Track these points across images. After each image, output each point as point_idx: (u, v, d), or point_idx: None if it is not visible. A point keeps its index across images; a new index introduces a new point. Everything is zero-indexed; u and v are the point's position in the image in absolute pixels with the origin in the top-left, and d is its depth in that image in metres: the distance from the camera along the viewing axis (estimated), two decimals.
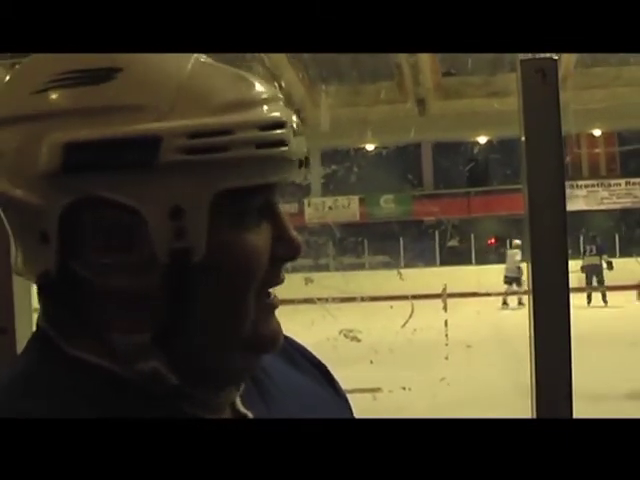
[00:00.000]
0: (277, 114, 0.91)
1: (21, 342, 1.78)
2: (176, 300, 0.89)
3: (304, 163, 0.94)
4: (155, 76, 0.87)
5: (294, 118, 0.93)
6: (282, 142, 0.90)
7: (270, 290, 0.96)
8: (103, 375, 0.91)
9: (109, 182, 0.85)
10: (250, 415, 0.99)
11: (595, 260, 21.99)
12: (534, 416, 1.73)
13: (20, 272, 0.95)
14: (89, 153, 0.84)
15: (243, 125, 0.87)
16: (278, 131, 0.89)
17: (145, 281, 0.88)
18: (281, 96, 0.94)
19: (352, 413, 1.17)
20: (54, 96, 0.87)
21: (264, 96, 0.91)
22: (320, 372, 1.19)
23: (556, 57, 1.70)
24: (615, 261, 23.45)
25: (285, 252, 0.95)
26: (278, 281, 0.96)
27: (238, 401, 1.00)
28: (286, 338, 1.11)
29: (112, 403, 0.89)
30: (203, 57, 0.91)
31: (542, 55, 1.67)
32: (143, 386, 0.91)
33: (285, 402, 1.05)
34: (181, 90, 0.87)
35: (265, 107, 0.90)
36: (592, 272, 21.79)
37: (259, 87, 0.91)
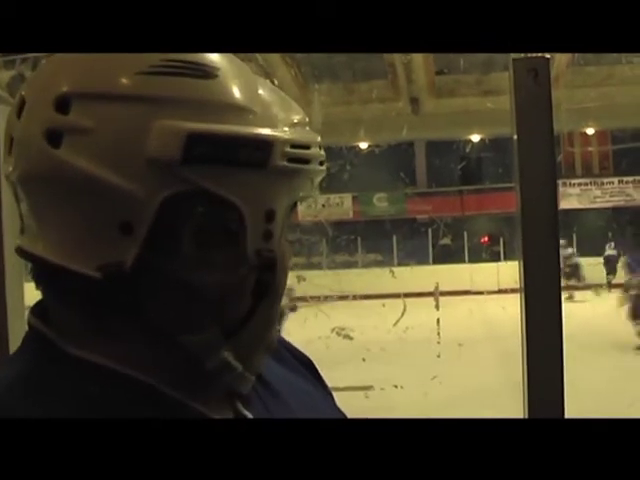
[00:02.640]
0: (315, 134, 0.97)
1: (14, 343, 1.78)
2: (255, 297, 0.93)
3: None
4: (245, 81, 0.91)
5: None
6: (323, 161, 0.96)
7: None
8: (110, 377, 0.90)
9: (220, 177, 0.86)
10: (250, 416, 1.00)
11: (613, 252, 23.89)
12: (526, 416, 1.73)
13: (61, 261, 0.87)
14: (211, 146, 0.84)
15: (315, 142, 0.95)
16: (319, 149, 0.96)
17: (230, 279, 0.91)
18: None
19: (337, 408, 1.17)
20: (159, 81, 0.85)
21: (304, 117, 0.97)
22: (305, 367, 1.20)
23: (548, 56, 1.70)
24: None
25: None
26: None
27: (238, 403, 1.00)
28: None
29: (118, 405, 0.89)
30: None
31: (534, 54, 1.67)
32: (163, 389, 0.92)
33: (278, 399, 1.06)
34: (263, 99, 0.92)
35: (307, 128, 0.97)
36: (610, 262, 23.43)
37: (299, 108, 0.98)
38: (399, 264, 25.00)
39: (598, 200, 28.74)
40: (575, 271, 21.73)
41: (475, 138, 27.13)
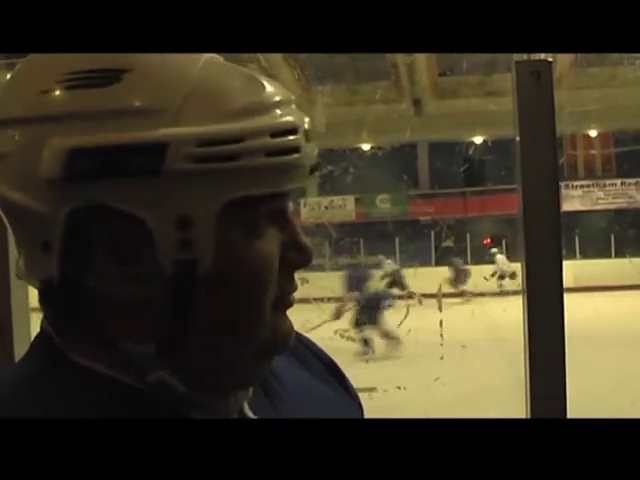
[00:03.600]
0: (290, 119, 0.88)
1: (18, 340, 1.78)
2: (181, 311, 0.87)
3: (315, 169, 0.91)
4: (163, 78, 0.85)
5: (307, 122, 0.90)
6: (294, 149, 0.87)
7: (285, 296, 0.94)
8: (105, 382, 0.90)
9: (114, 190, 0.82)
10: (252, 417, 0.98)
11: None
12: (528, 416, 1.73)
13: (22, 276, 0.92)
14: (93, 159, 0.82)
15: (253, 132, 0.85)
16: (290, 137, 0.87)
17: (149, 292, 0.86)
18: (293, 98, 0.91)
19: (362, 414, 1.15)
20: (58, 98, 0.84)
21: (276, 99, 0.88)
22: (331, 372, 1.16)
23: (551, 59, 1.70)
24: (610, 262, 23.62)
25: (297, 259, 0.92)
26: (292, 288, 0.94)
27: (246, 406, 0.98)
28: (298, 336, 1.11)
29: (117, 411, 0.88)
30: (215, 57, 0.90)
31: (537, 57, 1.68)
32: (149, 394, 0.89)
33: (293, 405, 1.03)
34: (190, 93, 0.85)
35: (277, 111, 0.87)
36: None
37: (271, 90, 0.88)
38: (401, 266, 24.96)
39: (601, 202, 28.70)
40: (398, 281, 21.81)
41: (478, 140, 27.10)
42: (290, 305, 0.95)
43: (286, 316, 0.95)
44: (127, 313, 0.88)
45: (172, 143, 0.82)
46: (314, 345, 1.18)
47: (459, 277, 23.03)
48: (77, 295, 0.88)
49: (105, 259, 0.86)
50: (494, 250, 23.82)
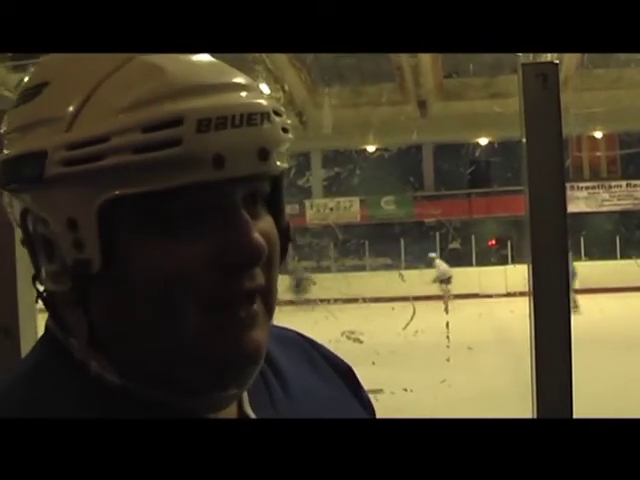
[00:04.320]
0: (171, 109, 0.82)
1: (25, 342, 1.78)
2: (86, 308, 0.88)
3: (222, 159, 0.83)
4: (72, 87, 0.87)
5: (233, 109, 0.84)
6: (173, 142, 0.82)
7: (239, 298, 0.88)
8: (98, 381, 0.91)
9: (26, 196, 0.89)
10: (253, 416, 0.97)
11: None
12: (535, 416, 1.73)
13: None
14: (8, 169, 0.89)
15: (120, 130, 0.82)
16: (167, 130, 0.82)
17: (61, 289, 0.89)
18: (234, 82, 0.87)
19: (371, 414, 1.14)
20: (11, 115, 0.93)
21: (175, 87, 0.84)
22: (343, 378, 1.14)
23: (557, 61, 1.71)
24: (615, 263, 23.63)
25: (232, 259, 0.86)
26: (234, 293, 0.87)
27: (246, 402, 0.98)
28: (311, 341, 1.13)
29: (111, 407, 0.89)
30: (140, 56, 0.87)
31: (543, 59, 1.68)
32: (131, 391, 0.90)
33: (295, 406, 1.02)
34: (92, 98, 0.85)
35: (168, 103, 0.83)
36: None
37: (173, 78, 0.84)
38: (407, 267, 24.97)
39: (606, 203, 28.67)
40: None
41: (483, 141, 27.09)
42: (247, 319, 0.89)
43: (247, 329, 0.89)
44: (61, 309, 0.93)
45: (49, 150, 0.84)
46: (327, 351, 1.17)
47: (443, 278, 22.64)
48: (47, 293, 0.94)
49: (41, 258, 0.91)
50: (433, 255, 23.66)
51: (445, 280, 21.89)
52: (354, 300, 15.54)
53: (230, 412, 0.96)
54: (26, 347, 1.77)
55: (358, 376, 1.17)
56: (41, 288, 0.94)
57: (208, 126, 0.82)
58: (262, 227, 0.89)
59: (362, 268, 25.88)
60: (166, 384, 0.90)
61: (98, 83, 0.85)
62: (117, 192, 0.83)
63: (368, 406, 1.16)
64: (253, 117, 0.85)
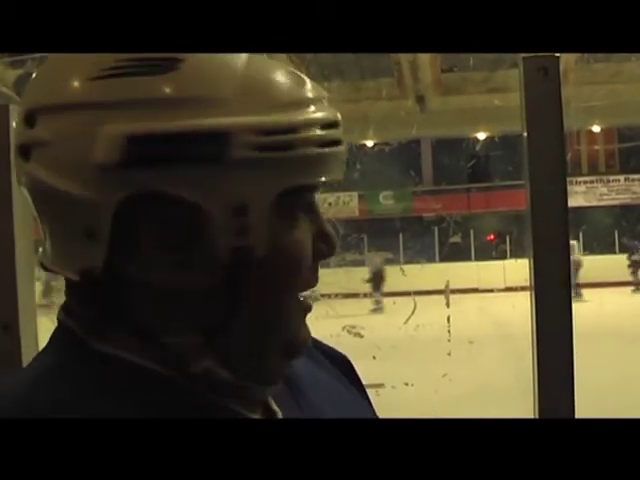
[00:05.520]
0: (334, 113, 0.91)
1: (25, 339, 1.78)
2: (233, 298, 0.88)
3: (347, 162, 0.94)
4: (217, 68, 0.86)
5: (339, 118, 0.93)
6: (339, 141, 0.90)
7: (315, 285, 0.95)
8: (135, 372, 0.89)
9: (172, 177, 0.82)
10: (279, 413, 0.98)
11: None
12: (536, 416, 1.73)
13: (52, 267, 0.90)
14: (152, 146, 0.82)
15: (307, 124, 0.87)
16: (335, 130, 0.90)
17: (202, 280, 0.87)
18: (326, 95, 0.93)
19: (370, 408, 1.15)
20: (114, 85, 0.83)
21: (316, 94, 0.91)
22: (339, 367, 1.16)
23: (558, 55, 1.70)
24: (614, 258, 23.74)
25: (324, 249, 0.94)
26: (315, 281, 0.95)
27: (271, 400, 0.98)
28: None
29: (144, 400, 0.88)
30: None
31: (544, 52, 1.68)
32: (185, 385, 0.90)
33: (314, 400, 1.04)
34: (243, 84, 0.86)
35: (319, 106, 0.90)
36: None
37: (311, 85, 0.91)
38: (406, 262, 25.00)
39: (605, 198, 28.71)
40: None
41: (481, 136, 27.13)
42: (310, 308, 0.96)
43: (305, 319, 0.96)
44: (171, 302, 0.88)
45: (236, 132, 0.83)
46: (323, 344, 1.18)
47: (376, 279, 21.82)
48: (119, 284, 0.88)
49: (155, 246, 0.85)
50: (367, 253, 23.65)
51: (378, 277, 21.67)
52: (355, 295, 15.57)
53: (257, 409, 0.97)
54: (26, 344, 1.78)
55: (354, 364, 1.19)
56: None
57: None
58: None
59: (361, 263, 25.89)
60: (257, 378, 0.94)
61: (247, 72, 0.87)
62: (295, 183, 0.87)
63: (366, 395, 1.18)
64: None
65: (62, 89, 0.85)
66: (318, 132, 0.87)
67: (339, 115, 0.92)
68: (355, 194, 28.69)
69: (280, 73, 0.89)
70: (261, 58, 0.90)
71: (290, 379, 1.03)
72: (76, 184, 0.83)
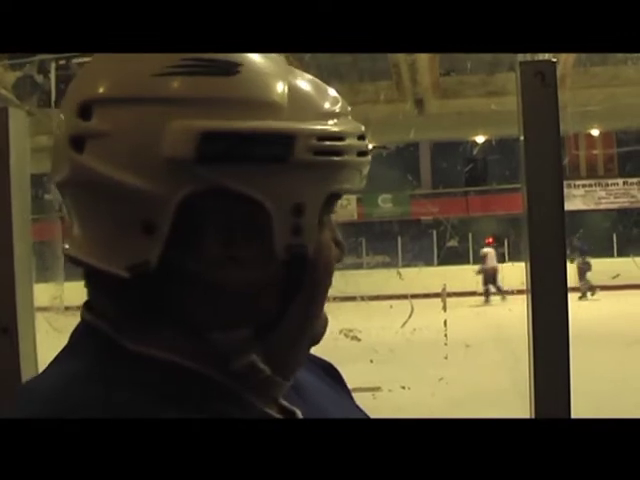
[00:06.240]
0: (361, 125, 0.96)
1: (23, 342, 1.78)
2: (285, 296, 0.92)
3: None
4: (270, 74, 0.90)
5: None
6: (367, 152, 0.96)
7: None
8: (170, 371, 0.91)
9: (239, 174, 0.86)
10: (296, 410, 1.00)
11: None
12: (532, 416, 1.73)
13: (96, 263, 0.90)
14: (226, 144, 0.85)
15: (351, 133, 0.93)
16: (365, 141, 0.95)
17: (258, 276, 0.90)
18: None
19: (365, 414, 1.16)
20: (179, 82, 0.86)
21: (346, 106, 0.96)
22: (329, 374, 1.19)
23: (555, 60, 1.71)
24: (612, 261, 23.71)
25: (339, 254, 1.00)
26: (331, 281, 1.00)
27: (282, 398, 1.00)
28: None
29: (179, 396, 0.89)
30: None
31: (541, 57, 1.68)
32: (224, 383, 0.92)
33: (317, 402, 1.06)
34: (291, 91, 0.90)
35: (349, 117, 0.96)
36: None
37: (339, 98, 0.96)
38: (404, 265, 24.99)
39: (603, 201, 28.70)
40: None
41: (480, 139, 27.11)
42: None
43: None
44: (223, 298, 0.90)
45: (299, 135, 0.88)
46: (311, 354, 1.18)
47: None
48: (169, 280, 0.89)
49: (215, 242, 0.88)
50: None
51: None
52: (352, 298, 15.54)
53: (274, 408, 0.98)
54: (24, 346, 1.78)
55: (340, 370, 1.23)
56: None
57: None
58: None
59: (359, 266, 25.86)
60: (286, 371, 0.97)
61: (289, 81, 0.91)
62: (341, 186, 0.94)
63: (353, 401, 1.20)
64: None
65: (124, 82, 0.87)
66: (357, 142, 0.94)
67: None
68: (353, 197, 28.63)
69: (316, 84, 0.95)
70: (294, 69, 0.95)
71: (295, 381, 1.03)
72: (138, 177, 0.84)
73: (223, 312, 0.91)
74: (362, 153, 0.94)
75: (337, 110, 0.94)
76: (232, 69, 0.87)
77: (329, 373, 1.20)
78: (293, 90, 0.91)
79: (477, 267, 23.76)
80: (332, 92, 0.96)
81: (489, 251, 24.14)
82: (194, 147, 0.84)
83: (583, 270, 22.27)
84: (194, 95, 0.86)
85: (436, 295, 15.77)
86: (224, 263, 0.88)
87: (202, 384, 0.92)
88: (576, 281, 21.89)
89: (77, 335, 0.95)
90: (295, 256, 0.90)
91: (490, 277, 23.20)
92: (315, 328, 0.98)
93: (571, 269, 22.60)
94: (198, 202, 0.86)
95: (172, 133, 0.84)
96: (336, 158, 0.91)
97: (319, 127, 0.90)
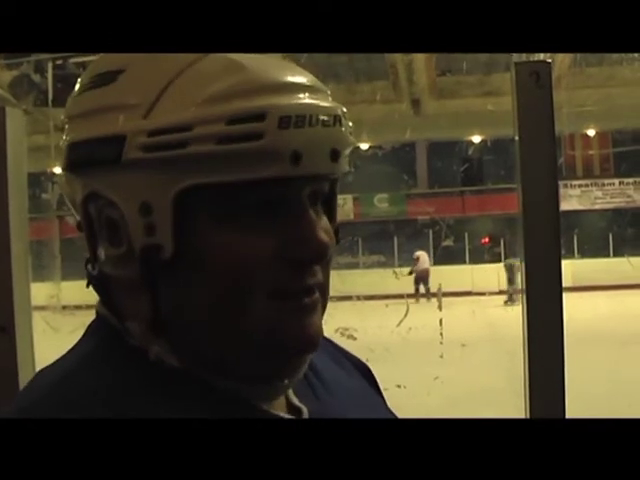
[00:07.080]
0: (256, 104, 0.85)
1: (20, 340, 1.78)
2: (153, 293, 0.90)
3: (299, 156, 0.86)
4: (149, 76, 0.89)
5: (311, 108, 0.88)
6: (256, 135, 0.84)
7: (289, 292, 0.91)
8: (154, 366, 0.93)
9: (96, 179, 0.90)
10: (304, 409, 1.00)
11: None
12: (527, 416, 1.74)
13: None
14: (79, 152, 0.91)
15: (203, 120, 0.85)
16: (251, 124, 0.85)
17: (128, 272, 0.91)
18: (308, 83, 0.90)
19: (389, 411, 1.15)
20: (78, 99, 0.93)
21: (259, 83, 0.87)
22: (363, 375, 1.19)
23: (550, 60, 1.71)
24: (607, 261, 23.73)
25: (299, 254, 0.89)
26: (297, 284, 0.91)
27: (292, 394, 1.00)
28: (331, 341, 1.16)
29: (166, 391, 0.91)
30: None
31: (536, 58, 1.69)
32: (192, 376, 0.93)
33: (333, 398, 1.05)
34: (170, 87, 0.87)
35: (255, 96, 0.86)
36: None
37: (257, 74, 0.88)
38: (400, 265, 24.98)
39: (599, 201, 28.70)
40: None
41: (476, 139, 27.11)
42: (310, 306, 0.93)
43: (306, 317, 0.92)
44: (118, 293, 0.95)
45: (128, 134, 0.87)
46: (346, 350, 1.21)
47: None
48: (102, 278, 0.95)
49: (98, 241, 0.93)
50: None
51: None
52: (348, 297, 15.53)
53: (279, 405, 0.98)
54: (22, 345, 1.78)
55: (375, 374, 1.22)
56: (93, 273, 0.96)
57: (288, 123, 0.85)
58: (323, 225, 0.94)
59: (355, 266, 25.85)
60: (226, 370, 0.94)
61: (177, 73, 0.88)
62: (197, 180, 0.86)
63: (384, 401, 1.19)
64: (327, 119, 0.89)
65: (75, 102, 0.95)
66: (222, 128, 0.84)
67: (307, 106, 0.87)
68: (350, 197, 28.61)
69: (215, 66, 0.89)
70: (218, 58, 0.89)
71: (308, 377, 1.04)
72: (63, 185, 0.97)
73: (122, 306, 0.95)
74: (235, 139, 0.85)
75: (228, 92, 0.86)
76: (112, 78, 0.90)
77: (363, 372, 1.20)
78: (173, 84, 0.87)
79: (409, 269, 23.82)
80: (240, 71, 0.87)
81: (422, 254, 24.59)
82: (65, 158, 0.93)
83: (513, 272, 21.13)
84: (79, 110, 0.93)
85: (432, 295, 15.77)
86: (109, 261, 0.92)
87: (195, 382, 0.93)
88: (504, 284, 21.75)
89: (89, 325, 1.00)
90: (150, 256, 0.88)
91: (421, 278, 23.56)
92: (257, 328, 0.90)
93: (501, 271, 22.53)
94: (88, 206, 0.92)
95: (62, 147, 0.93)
96: (175, 152, 0.85)
97: (152, 121, 0.86)
